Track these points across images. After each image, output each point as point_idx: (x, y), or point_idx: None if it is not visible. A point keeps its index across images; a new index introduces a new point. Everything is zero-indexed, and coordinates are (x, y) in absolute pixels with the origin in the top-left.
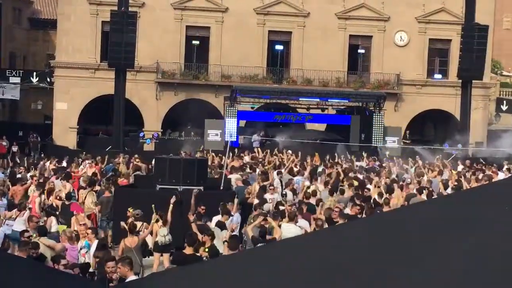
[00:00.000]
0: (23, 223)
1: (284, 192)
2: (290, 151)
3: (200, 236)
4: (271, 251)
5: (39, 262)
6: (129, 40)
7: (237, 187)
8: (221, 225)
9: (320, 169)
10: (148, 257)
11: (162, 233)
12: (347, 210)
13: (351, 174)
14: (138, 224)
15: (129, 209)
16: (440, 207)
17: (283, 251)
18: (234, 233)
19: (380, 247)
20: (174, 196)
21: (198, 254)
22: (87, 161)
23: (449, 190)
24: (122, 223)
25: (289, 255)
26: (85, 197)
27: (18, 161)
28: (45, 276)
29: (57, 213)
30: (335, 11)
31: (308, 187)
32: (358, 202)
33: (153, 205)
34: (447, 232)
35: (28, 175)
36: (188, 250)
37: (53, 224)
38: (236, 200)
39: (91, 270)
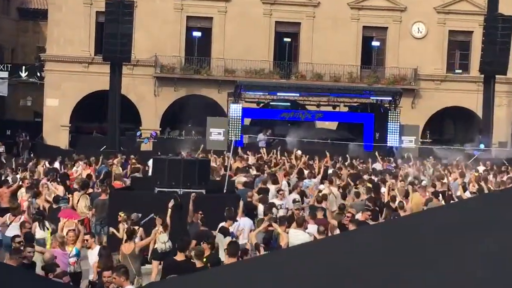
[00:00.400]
0: (18, 229)
1: (296, 198)
2: (299, 152)
3: (193, 243)
4: (275, 259)
5: (29, 271)
6: (125, 31)
7: (239, 190)
8: (224, 231)
9: (330, 171)
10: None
11: (162, 240)
12: (359, 215)
13: (365, 177)
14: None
15: (120, 213)
16: (458, 211)
17: (288, 259)
18: (233, 239)
19: (392, 254)
20: (172, 200)
21: (192, 261)
22: (80, 162)
23: (468, 194)
24: (111, 229)
25: (295, 263)
26: (78, 201)
27: (5, 162)
28: (36, 286)
29: (42, 218)
30: (347, 0)
31: (320, 191)
32: (371, 206)
33: (153, 215)
34: (462, 235)
35: (18, 177)
36: (180, 256)
37: (37, 230)
38: (241, 204)
39: (91, 279)
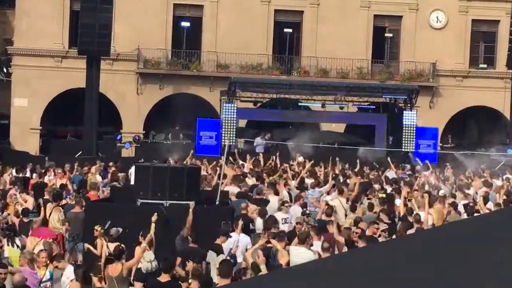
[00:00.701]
0: None
1: (305, 210)
2: (301, 157)
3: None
4: (274, 280)
5: None
6: (103, 21)
7: (233, 201)
8: (217, 249)
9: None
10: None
11: (147, 258)
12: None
13: (376, 186)
14: (113, 245)
15: (96, 227)
16: (474, 227)
17: (289, 279)
18: (226, 258)
19: (399, 276)
20: (155, 213)
21: (179, 282)
22: (51, 170)
23: (490, 205)
24: (87, 245)
25: (296, 284)
26: (50, 214)
27: None
28: None
29: (13, 233)
30: None
31: (327, 203)
32: (385, 219)
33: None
34: (477, 258)
35: None
36: (164, 277)
37: (5, 248)
38: (240, 223)
39: None
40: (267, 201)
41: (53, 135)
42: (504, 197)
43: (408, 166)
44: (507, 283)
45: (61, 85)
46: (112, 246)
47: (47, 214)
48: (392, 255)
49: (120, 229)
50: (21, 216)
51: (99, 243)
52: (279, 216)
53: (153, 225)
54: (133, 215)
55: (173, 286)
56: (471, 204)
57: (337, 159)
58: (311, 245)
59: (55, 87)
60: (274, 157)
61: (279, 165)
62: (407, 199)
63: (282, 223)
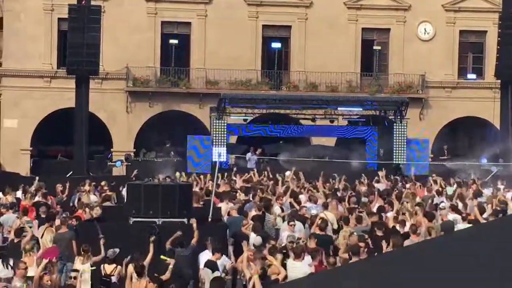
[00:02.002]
0: None
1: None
2: (288, 172)
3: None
4: None
5: None
6: (92, 40)
7: (230, 218)
8: (212, 265)
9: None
10: None
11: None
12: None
13: (364, 199)
14: (111, 267)
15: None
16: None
17: None
18: (219, 276)
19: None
20: (153, 235)
21: None
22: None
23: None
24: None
25: None
26: (43, 235)
27: None
28: None
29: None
30: None
31: (320, 217)
32: (379, 233)
33: (161, 256)
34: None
35: None
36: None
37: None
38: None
39: None
40: (262, 217)
41: (43, 155)
42: (497, 207)
43: (399, 178)
44: None
45: (50, 105)
46: (109, 267)
47: (39, 235)
48: (394, 268)
49: (117, 250)
50: (14, 237)
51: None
52: (284, 234)
53: (151, 246)
54: (125, 233)
55: None
56: (463, 215)
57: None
58: (303, 258)
59: (45, 108)
60: (265, 172)
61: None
62: (400, 213)
63: (289, 242)
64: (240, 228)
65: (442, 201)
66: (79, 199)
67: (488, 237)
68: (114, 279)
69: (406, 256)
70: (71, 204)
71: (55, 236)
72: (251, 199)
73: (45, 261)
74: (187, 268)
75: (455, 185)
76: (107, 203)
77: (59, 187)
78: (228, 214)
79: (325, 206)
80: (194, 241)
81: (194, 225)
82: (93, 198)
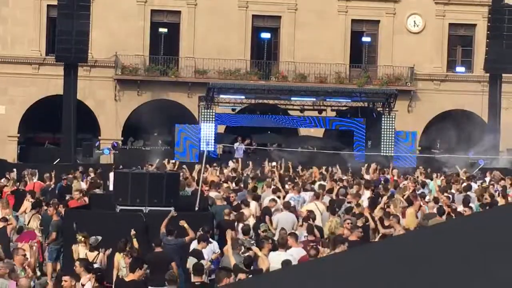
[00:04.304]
0: None
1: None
2: (273, 163)
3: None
4: (257, 285)
5: None
6: (81, 28)
7: (215, 206)
8: (197, 254)
9: (316, 185)
10: None
11: (123, 265)
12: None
13: (354, 190)
14: (93, 254)
15: (78, 235)
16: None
17: (273, 284)
18: (200, 261)
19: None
20: (132, 230)
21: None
22: (34, 178)
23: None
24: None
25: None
26: (29, 221)
27: None
28: None
29: None
30: None
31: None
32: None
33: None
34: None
35: None
36: (130, 277)
37: None
38: (229, 233)
39: None
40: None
41: (31, 142)
42: (488, 199)
43: (386, 170)
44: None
45: (38, 92)
46: (91, 255)
47: (26, 221)
48: (373, 258)
49: (99, 238)
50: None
51: (75, 249)
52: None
53: (134, 239)
54: (112, 221)
55: (136, 285)
56: (453, 207)
57: (338, 167)
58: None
59: (33, 94)
60: (250, 162)
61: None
62: (386, 206)
63: (262, 231)
64: (222, 216)
65: (423, 192)
66: (66, 186)
67: (470, 229)
68: (96, 266)
69: (386, 247)
70: (56, 192)
71: (43, 222)
72: (241, 188)
73: (21, 244)
74: (174, 257)
75: (440, 178)
76: (96, 191)
77: (47, 175)
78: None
79: (317, 197)
80: (187, 238)
81: (186, 225)
82: (83, 185)
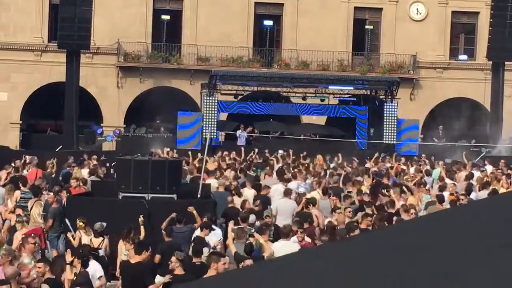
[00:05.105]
0: None
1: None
2: (281, 151)
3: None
4: (261, 271)
5: None
6: (83, 15)
7: (217, 192)
8: (201, 242)
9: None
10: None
11: (125, 252)
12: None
13: (359, 178)
14: (98, 240)
15: (79, 220)
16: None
17: (276, 271)
18: (213, 250)
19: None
20: (141, 217)
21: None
22: (32, 164)
23: (473, 196)
24: (69, 235)
25: (283, 275)
26: (31, 208)
27: None
28: None
29: None
30: None
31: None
32: (369, 211)
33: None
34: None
35: None
36: (135, 259)
37: None
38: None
39: None
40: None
41: (33, 129)
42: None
43: (388, 158)
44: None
45: (41, 79)
46: (96, 241)
47: (29, 208)
48: (375, 247)
49: (104, 224)
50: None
51: (77, 235)
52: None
53: (141, 227)
54: (115, 208)
55: (141, 266)
56: (458, 195)
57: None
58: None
59: (35, 81)
60: (255, 150)
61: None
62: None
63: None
64: (226, 203)
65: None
66: (71, 173)
67: (474, 217)
68: (101, 252)
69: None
70: (60, 178)
71: (46, 209)
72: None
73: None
74: (184, 245)
75: (442, 166)
76: (94, 178)
77: (49, 163)
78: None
79: (319, 184)
80: (196, 225)
81: (194, 212)
82: (84, 172)
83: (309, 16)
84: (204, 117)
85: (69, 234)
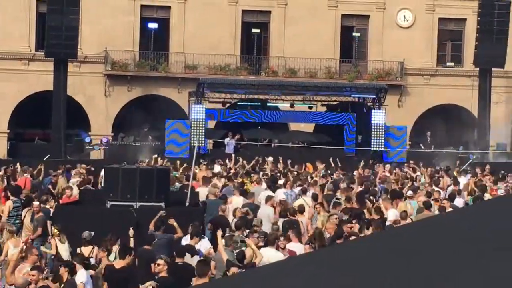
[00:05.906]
0: None
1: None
2: (271, 158)
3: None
4: (252, 277)
5: None
6: (70, 23)
7: (209, 199)
8: (190, 250)
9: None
10: None
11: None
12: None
13: (343, 185)
14: (88, 249)
15: (53, 227)
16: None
17: (266, 277)
18: (202, 258)
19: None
20: (131, 229)
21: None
22: (25, 174)
23: (460, 202)
24: (42, 248)
25: (274, 282)
26: (24, 217)
27: None
28: None
29: None
30: None
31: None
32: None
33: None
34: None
35: None
36: (120, 263)
37: None
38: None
39: None
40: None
41: (21, 138)
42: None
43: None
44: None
45: (28, 88)
46: (86, 250)
47: (22, 218)
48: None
49: (93, 233)
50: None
51: (53, 243)
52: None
53: (131, 239)
54: (103, 217)
55: (126, 271)
56: (444, 202)
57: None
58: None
59: (23, 90)
60: (240, 158)
61: (247, 166)
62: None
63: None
64: (217, 211)
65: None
66: (55, 183)
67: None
68: (92, 260)
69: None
70: (42, 187)
71: (34, 218)
72: (228, 183)
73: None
74: (160, 253)
75: (428, 173)
76: (87, 186)
77: (37, 169)
78: (206, 198)
79: (304, 192)
80: (176, 236)
81: (175, 223)
82: (73, 180)
83: (296, 23)
84: (192, 125)
85: (42, 248)
